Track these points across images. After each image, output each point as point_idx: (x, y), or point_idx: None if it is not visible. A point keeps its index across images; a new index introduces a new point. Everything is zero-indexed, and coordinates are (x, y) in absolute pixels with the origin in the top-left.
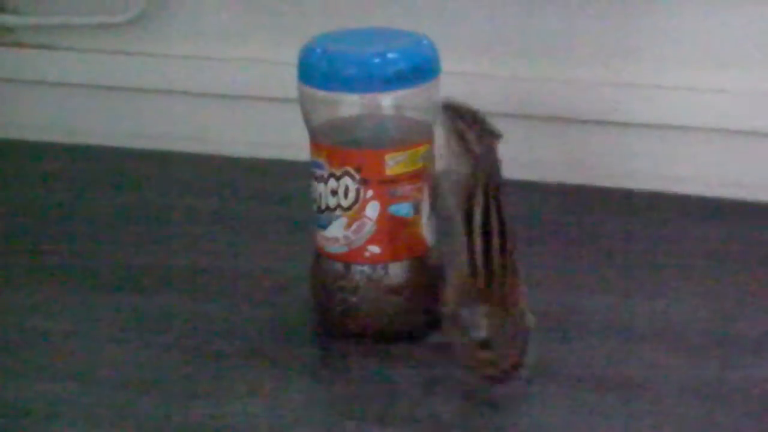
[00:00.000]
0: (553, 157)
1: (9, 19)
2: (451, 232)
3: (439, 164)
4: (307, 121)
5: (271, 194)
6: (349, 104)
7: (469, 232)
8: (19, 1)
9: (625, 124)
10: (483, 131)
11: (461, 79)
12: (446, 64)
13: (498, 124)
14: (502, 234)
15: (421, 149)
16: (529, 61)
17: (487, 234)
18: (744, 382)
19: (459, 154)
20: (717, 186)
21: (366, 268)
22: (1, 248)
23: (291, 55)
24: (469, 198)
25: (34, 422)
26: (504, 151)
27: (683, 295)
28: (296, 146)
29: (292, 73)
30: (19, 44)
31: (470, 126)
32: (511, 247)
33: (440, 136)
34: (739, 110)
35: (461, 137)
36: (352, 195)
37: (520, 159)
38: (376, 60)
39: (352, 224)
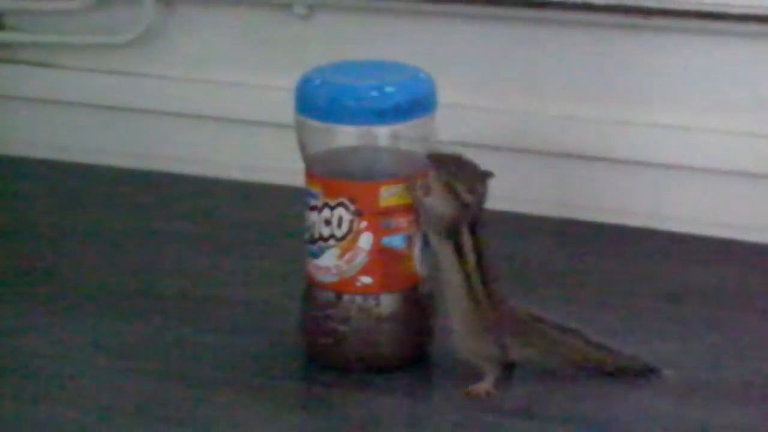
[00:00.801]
0: (546, 192)
1: (7, 36)
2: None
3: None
4: (303, 150)
5: (263, 220)
6: (345, 135)
7: (465, 269)
8: (18, 19)
9: (620, 161)
10: (472, 179)
11: (457, 112)
12: (442, 97)
13: (492, 157)
14: (482, 262)
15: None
16: (524, 96)
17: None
18: (729, 428)
19: (446, 200)
20: (709, 226)
21: (357, 298)
22: None
23: (288, 82)
24: (456, 235)
25: None
26: (497, 184)
27: (671, 336)
28: (290, 171)
29: (288, 99)
30: (17, 61)
31: (457, 176)
32: (495, 274)
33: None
34: (733, 151)
35: (449, 187)
36: (345, 225)
37: (513, 193)
38: (374, 93)
39: (344, 254)
